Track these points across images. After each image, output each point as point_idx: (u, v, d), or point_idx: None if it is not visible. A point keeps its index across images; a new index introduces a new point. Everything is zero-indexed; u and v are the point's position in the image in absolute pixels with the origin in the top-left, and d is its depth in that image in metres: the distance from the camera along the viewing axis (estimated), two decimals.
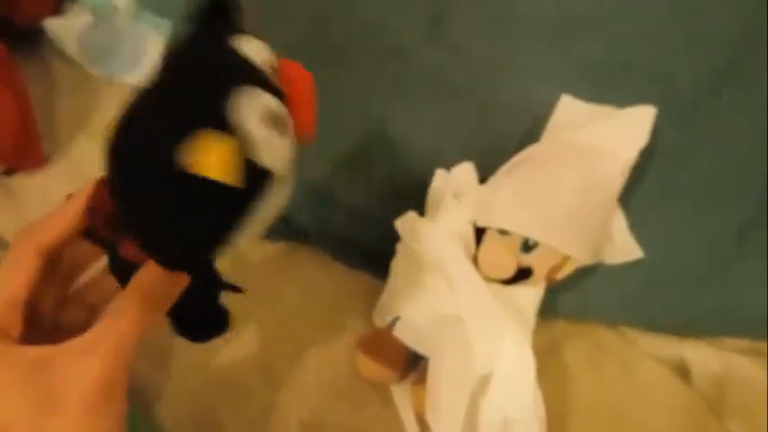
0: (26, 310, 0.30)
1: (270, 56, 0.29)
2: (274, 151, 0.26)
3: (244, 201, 0.26)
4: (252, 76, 0.27)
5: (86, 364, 0.27)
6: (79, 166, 0.63)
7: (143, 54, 0.70)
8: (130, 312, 0.29)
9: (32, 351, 0.28)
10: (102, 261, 0.34)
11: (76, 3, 0.68)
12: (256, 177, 0.26)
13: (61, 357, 0.28)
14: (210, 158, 0.23)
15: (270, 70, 0.29)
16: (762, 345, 0.59)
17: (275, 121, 0.26)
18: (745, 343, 0.59)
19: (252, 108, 0.25)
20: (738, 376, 0.57)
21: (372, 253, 0.57)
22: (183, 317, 0.37)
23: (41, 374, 0.27)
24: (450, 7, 0.59)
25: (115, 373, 0.28)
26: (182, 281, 0.31)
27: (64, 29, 0.67)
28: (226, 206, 0.26)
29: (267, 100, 0.26)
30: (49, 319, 0.33)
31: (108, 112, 0.66)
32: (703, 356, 0.58)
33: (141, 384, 0.51)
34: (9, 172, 0.62)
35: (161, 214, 0.25)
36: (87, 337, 0.28)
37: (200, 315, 0.38)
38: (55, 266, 0.32)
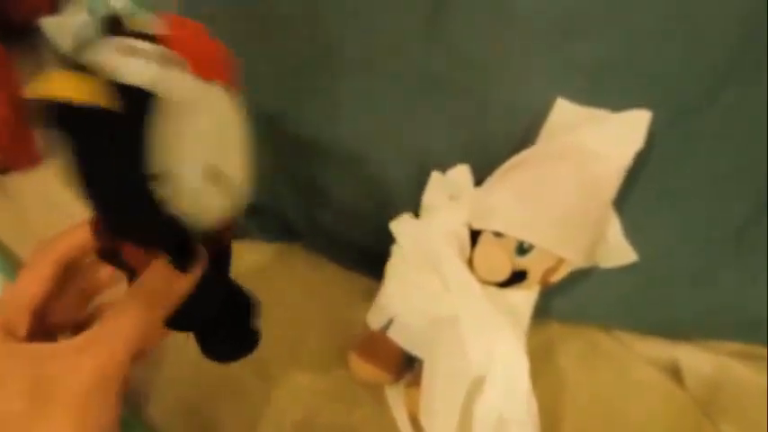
0: (37, 320, 0.31)
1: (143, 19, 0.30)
2: (136, 74, 0.26)
3: (128, 124, 0.26)
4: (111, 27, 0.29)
5: (81, 361, 0.28)
6: None
7: None
8: (129, 312, 0.29)
9: (32, 348, 0.29)
10: (122, 286, 0.35)
11: (73, 1, 0.68)
12: (128, 98, 0.26)
13: (58, 355, 0.28)
14: (58, 85, 0.25)
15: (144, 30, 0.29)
16: (754, 348, 0.59)
17: (131, 51, 0.27)
18: (737, 346, 0.60)
19: (106, 47, 0.27)
20: (731, 379, 0.57)
21: (368, 254, 0.57)
22: (208, 333, 0.37)
23: (38, 370, 0.27)
24: (447, 6, 0.59)
25: (109, 372, 0.28)
26: (184, 282, 0.31)
27: (60, 27, 0.67)
28: (113, 133, 0.26)
29: (122, 40, 0.28)
30: (62, 320, 0.35)
31: None
32: (696, 359, 0.59)
33: (134, 384, 0.51)
34: (4, 171, 0.62)
35: (81, 167, 0.26)
36: (85, 335, 0.29)
37: (227, 331, 0.37)
38: (71, 278, 0.34)
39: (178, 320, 0.34)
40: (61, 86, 0.25)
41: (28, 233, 0.59)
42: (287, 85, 0.60)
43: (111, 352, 0.28)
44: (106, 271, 0.35)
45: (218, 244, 0.34)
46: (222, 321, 0.36)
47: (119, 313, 0.30)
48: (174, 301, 0.31)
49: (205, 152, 0.29)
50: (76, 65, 0.27)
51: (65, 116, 0.26)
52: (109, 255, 0.33)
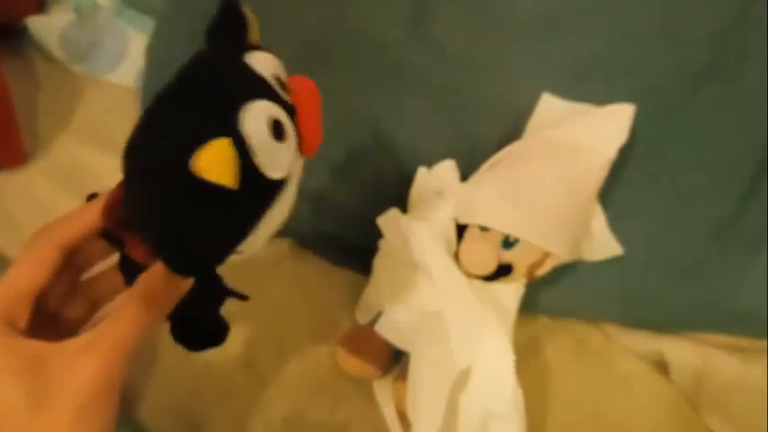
0: (37, 308, 0.30)
1: (278, 68, 0.31)
2: (279, 160, 0.28)
3: (249, 207, 0.28)
4: (260, 88, 0.28)
5: (83, 363, 0.27)
6: (60, 164, 0.62)
7: (125, 52, 0.69)
8: (131, 313, 0.29)
9: (34, 346, 0.28)
10: (113, 258, 0.35)
11: (59, 1, 0.68)
12: (261, 185, 0.27)
13: (60, 355, 0.28)
14: (212, 162, 0.25)
15: (277, 83, 0.30)
16: (739, 340, 0.60)
17: (280, 131, 0.28)
18: (723, 338, 0.60)
19: (259, 119, 0.27)
20: (716, 371, 0.58)
21: (356, 249, 0.57)
22: (183, 323, 0.37)
23: (39, 370, 0.27)
24: (432, 5, 0.60)
25: (110, 374, 0.28)
26: (184, 285, 0.31)
27: (46, 26, 0.67)
28: (230, 211, 0.27)
29: (274, 111, 0.28)
30: (52, 308, 0.34)
31: (90, 110, 0.66)
32: (682, 352, 0.59)
33: (123, 382, 0.51)
34: None
35: (168, 216, 0.26)
36: (87, 336, 0.28)
37: (200, 323, 0.38)
38: (70, 262, 0.32)
39: (176, 320, 0.34)
40: (213, 165, 0.25)
41: (13, 232, 0.59)
42: None
43: (114, 354, 0.28)
44: (100, 242, 0.34)
45: None
46: (196, 313, 0.37)
47: (120, 314, 0.29)
48: (173, 302, 0.31)
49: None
50: (233, 133, 0.26)
51: (198, 187, 0.25)
52: (111, 237, 0.33)
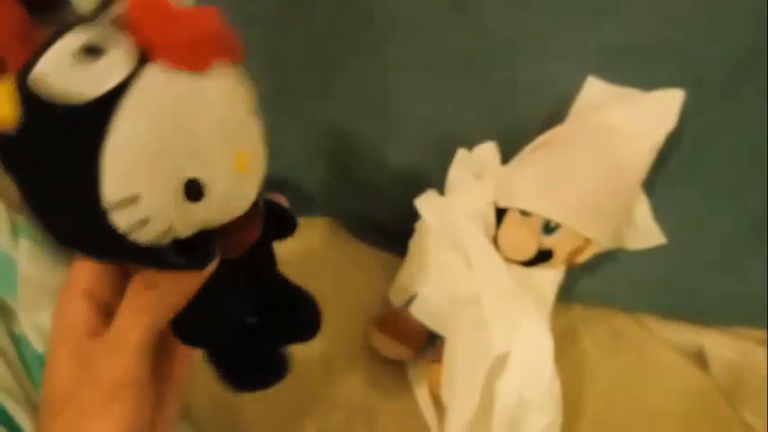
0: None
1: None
2: (90, 78, 0.23)
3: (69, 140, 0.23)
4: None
5: (100, 363, 0.28)
6: None
7: None
8: (131, 317, 0.28)
9: (95, 343, 0.29)
10: None
11: None
12: (65, 112, 0.22)
13: (101, 351, 0.28)
14: None
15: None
16: None
17: (87, 50, 0.23)
18: (761, 333, 0.59)
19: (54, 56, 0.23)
20: (754, 366, 0.57)
21: (391, 231, 0.57)
22: (225, 357, 0.33)
23: (93, 363, 0.28)
24: None
25: (121, 376, 0.28)
26: (188, 279, 0.28)
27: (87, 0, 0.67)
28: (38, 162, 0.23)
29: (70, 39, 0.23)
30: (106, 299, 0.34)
31: None
32: (720, 345, 0.58)
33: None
34: None
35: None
36: (103, 338, 0.28)
37: (247, 357, 0.34)
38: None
39: (187, 330, 0.30)
40: None
41: None
42: (315, 62, 0.60)
43: (118, 358, 0.28)
44: None
45: (243, 240, 0.30)
46: (246, 340, 0.33)
47: (122, 316, 0.28)
48: (178, 302, 0.29)
49: (231, 143, 0.26)
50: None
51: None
52: None
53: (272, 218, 0.32)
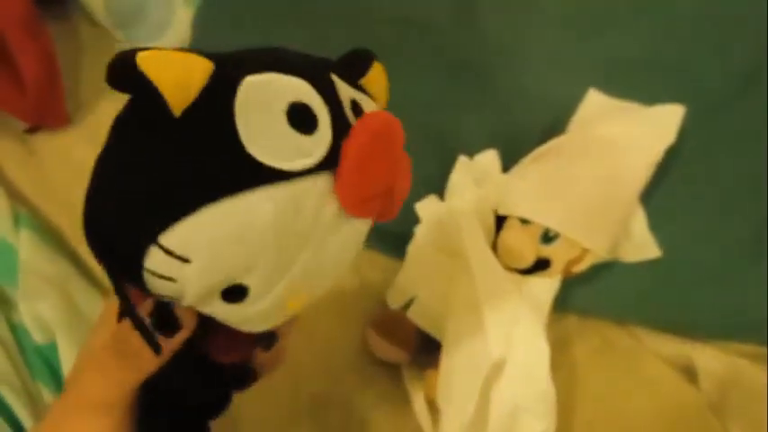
0: None
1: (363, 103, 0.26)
2: (282, 147, 0.22)
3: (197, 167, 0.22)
4: (314, 73, 0.24)
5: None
6: (101, 129, 0.62)
7: (170, 23, 0.69)
8: (96, 369, 0.28)
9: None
10: None
11: None
12: (237, 158, 0.22)
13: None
14: (157, 58, 0.20)
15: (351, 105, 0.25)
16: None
17: (303, 120, 0.23)
18: (752, 348, 0.59)
19: (275, 87, 0.23)
20: (743, 381, 0.57)
21: (390, 234, 0.57)
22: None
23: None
24: None
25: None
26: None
27: None
28: (167, 152, 0.22)
29: (306, 95, 0.23)
30: None
31: None
32: (710, 359, 0.58)
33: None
34: (32, 130, 0.62)
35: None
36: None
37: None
38: None
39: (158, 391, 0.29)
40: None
41: (53, 192, 0.59)
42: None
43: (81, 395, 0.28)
44: None
45: (230, 350, 0.30)
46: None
47: (87, 365, 0.29)
48: (148, 369, 0.27)
49: (306, 281, 0.25)
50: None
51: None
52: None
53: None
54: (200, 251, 0.22)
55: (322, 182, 0.23)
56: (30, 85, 0.58)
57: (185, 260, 0.22)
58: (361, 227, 0.26)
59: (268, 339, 0.32)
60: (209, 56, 0.22)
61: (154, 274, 0.23)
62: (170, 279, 0.23)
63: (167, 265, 0.22)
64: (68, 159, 0.61)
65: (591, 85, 0.57)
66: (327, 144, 0.23)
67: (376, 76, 0.29)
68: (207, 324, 0.27)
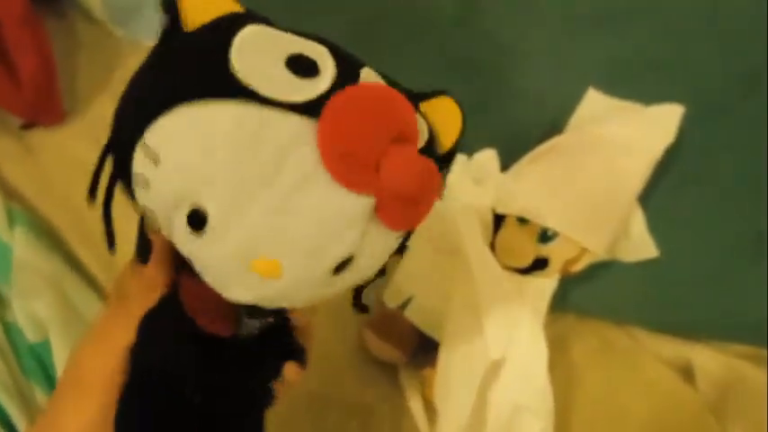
0: None
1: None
2: (277, 81, 0.24)
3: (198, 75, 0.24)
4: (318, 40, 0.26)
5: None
6: (97, 125, 0.62)
7: None
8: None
9: None
10: None
11: None
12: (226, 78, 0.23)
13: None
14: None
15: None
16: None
17: (301, 66, 0.24)
18: (751, 350, 0.59)
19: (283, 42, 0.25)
20: (742, 382, 0.57)
21: None
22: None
23: None
24: None
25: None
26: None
27: None
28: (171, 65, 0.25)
29: (307, 48, 0.25)
30: None
31: (129, 73, 0.65)
32: (709, 360, 0.58)
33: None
34: (28, 126, 0.62)
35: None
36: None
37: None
38: None
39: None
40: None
41: (48, 189, 0.59)
42: None
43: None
44: None
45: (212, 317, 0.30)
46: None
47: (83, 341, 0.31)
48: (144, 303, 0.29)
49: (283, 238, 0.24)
50: None
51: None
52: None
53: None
54: (167, 150, 0.23)
55: (301, 123, 0.23)
56: (26, 81, 0.58)
57: (156, 159, 0.24)
58: (347, 198, 0.24)
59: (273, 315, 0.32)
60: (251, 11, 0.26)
61: (138, 178, 0.25)
62: (145, 183, 0.24)
63: (143, 165, 0.24)
64: (65, 156, 0.61)
65: (590, 85, 0.56)
66: (319, 91, 0.23)
67: (439, 106, 0.29)
68: (185, 281, 0.29)
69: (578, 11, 0.58)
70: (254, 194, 0.23)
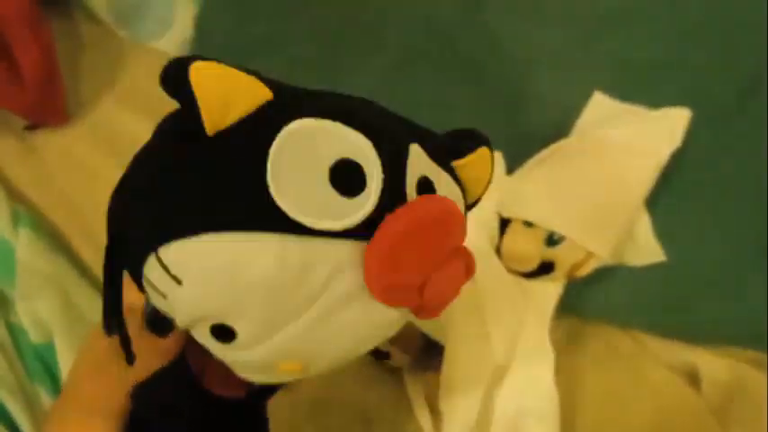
0: None
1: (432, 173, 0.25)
2: (317, 205, 0.21)
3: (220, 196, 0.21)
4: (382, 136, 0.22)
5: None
6: (100, 128, 0.62)
7: (172, 20, 0.69)
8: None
9: None
10: None
11: None
12: (262, 201, 0.21)
13: None
14: (209, 72, 0.20)
15: (420, 181, 0.24)
16: None
17: (348, 181, 0.21)
18: (756, 354, 0.59)
19: (323, 133, 0.21)
20: (748, 388, 0.57)
21: None
22: None
23: None
24: None
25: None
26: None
27: None
28: (195, 172, 0.22)
29: (363, 154, 0.21)
30: None
31: (133, 75, 0.65)
32: (714, 365, 0.58)
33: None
34: (31, 127, 0.62)
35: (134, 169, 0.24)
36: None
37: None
38: None
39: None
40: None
41: (52, 190, 0.59)
42: (324, 65, 0.60)
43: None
44: None
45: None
46: None
47: (87, 370, 0.30)
48: (149, 367, 0.28)
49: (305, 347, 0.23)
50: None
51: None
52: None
53: None
54: (192, 277, 0.21)
55: (347, 249, 0.21)
56: (30, 82, 0.58)
57: (178, 281, 0.21)
58: (387, 312, 0.23)
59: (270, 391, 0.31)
60: (272, 84, 0.21)
61: (149, 283, 0.23)
62: (163, 295, 0.23)
63: (161, 280, 0.22)
64: (68, 157, 0.61)
65: (596, 88, 0.56)
66: (367, 212, 0.21)
67: (475, 162, 0.27)
68: (205, 351, 0.26)
69: (584, 14, 0.58)
70: (290, 319, 0.22)
